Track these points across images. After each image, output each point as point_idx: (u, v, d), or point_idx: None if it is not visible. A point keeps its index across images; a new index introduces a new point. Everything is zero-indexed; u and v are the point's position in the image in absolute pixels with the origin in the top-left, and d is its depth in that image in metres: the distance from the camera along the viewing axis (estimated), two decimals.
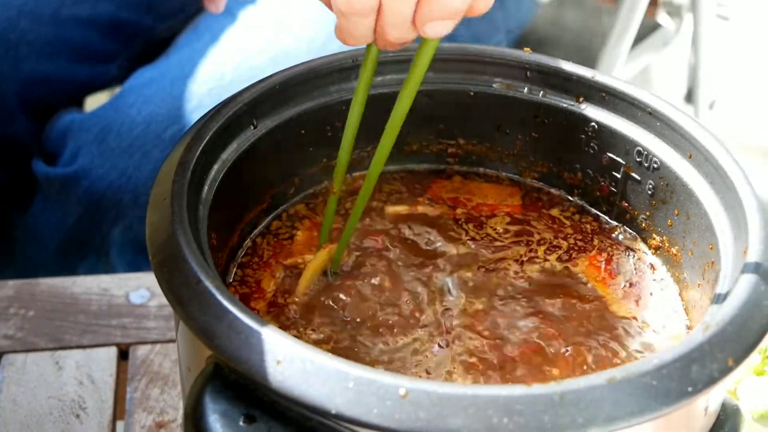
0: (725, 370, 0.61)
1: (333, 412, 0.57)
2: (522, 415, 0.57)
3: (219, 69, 1.27)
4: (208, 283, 0.63)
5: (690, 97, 1.93)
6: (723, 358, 0.61)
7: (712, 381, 0.60)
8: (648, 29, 1.81)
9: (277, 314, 0.78)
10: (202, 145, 0.75)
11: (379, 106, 0.82)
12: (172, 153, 0.75)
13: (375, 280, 0.81)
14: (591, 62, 1.69)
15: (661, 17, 1.86)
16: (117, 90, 1.51)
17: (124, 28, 1.43)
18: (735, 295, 0.65)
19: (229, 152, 0.79)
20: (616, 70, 1.64)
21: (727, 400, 0.72)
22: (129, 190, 1.23)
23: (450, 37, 1.44)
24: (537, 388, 0.58)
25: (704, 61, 1.85)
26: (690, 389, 0.60)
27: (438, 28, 0.67)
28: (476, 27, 1.47)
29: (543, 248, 0.86)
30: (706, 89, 1.89)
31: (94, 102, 1.50)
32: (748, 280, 0.66)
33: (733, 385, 0.97)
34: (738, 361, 0.62)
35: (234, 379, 0.62)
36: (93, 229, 1.26)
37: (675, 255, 0.82)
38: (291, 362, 0.59)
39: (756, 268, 0.67)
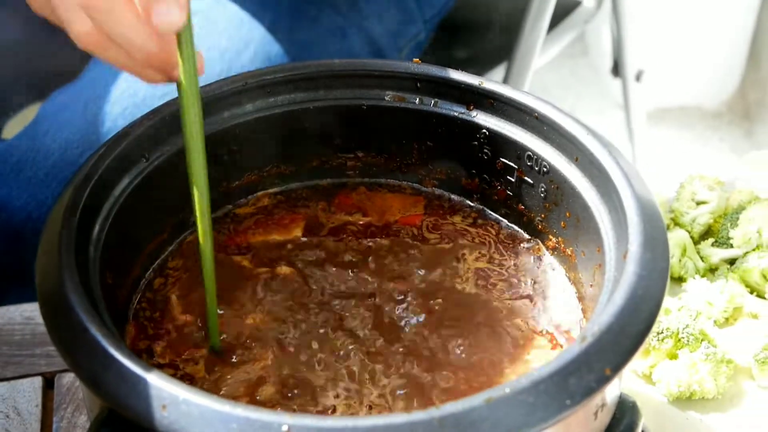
0: (603, 380, 0.63)
1: None
2: None
3: (132, 86, 1.27)
4: (94, 331, 0.64)
5: (616, 69, 1.95)
6: (600, 368, 0.63)
7: (590, 391, 0.62)
8: (569, 7, 1.82)
9: (177, 346, 0.79)
10: (91, 185, 0.75)
11: (271, 126, 0.84)
12: (62, 196, 0.75)
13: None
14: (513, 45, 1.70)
15: None
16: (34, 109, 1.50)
17: (36, 50, 1.42)
18: (613, 302, 0.67)
19: (121, 188, 0.79)
20: (536, 52, 1.64)
21: (624, 397, 0.74)
22: None
23: (364, 32, 1.45)
24: (416, 415, 0.59)
25: (627, 34, 1.86)
26: (568, 402, 0.61)
27: (167, 16, 0.68)
28: (390, 21, 1.47)
29: (447, 253, 0.88)
30: (632, 61, 1.91)
31: (14, 124, 1.50)
32: (626, 285, 0.68)
33: (648, 370, 0.99)
34: (616, 369, 0.64)
35: (127, 423, 0.63)
36: (16, 261, 1.26)
37: (570, 256, 0.84)
38: (176, 406, 0.60)
39: (634, 272, 0.69)
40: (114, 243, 0.77)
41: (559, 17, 1.78)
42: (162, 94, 1.25)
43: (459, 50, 1.69)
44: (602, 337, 0.64)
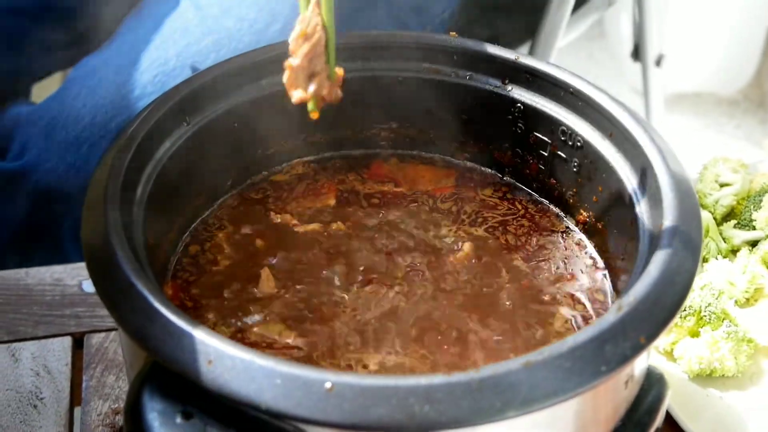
0: (638, 348, 0.64)
1: (263, 407, 0.60)
2: (442, 402, 0.60)
3: (162, 55, 1.28)
4: (140, 287, 0.66)
5: (636, 53, 1.95)
6: (635, 336, 0.64)
7: (624, 359, 0.64)
8: None
9: (215, 305, 0.81)
10: (135, 146, 0.77)
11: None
12: (105, 156, 0.77)
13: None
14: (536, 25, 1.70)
15: None
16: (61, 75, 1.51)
17: (60, 13, 1.43)
18: (648, 273, 0.68)
19: (163, 151, 0.81)
20: (561, 33, 1.65)
21: (651, 369, 0.75)
22: (78, 183, 1.24)
23: (391, 8, 1.45)
24: (456, 376, 0.61)
25: (649, 18, 1.87)
26: (603, 368, 0.63)
27: None
28: None
29: (477, 226, 0.89)
30: (652, 45, 1.91)
31: (42, 89, 1.51)
32: (660, 258, 0.69)
33: (669, 347, 1.00)
34: (650, 338, 0.65)
35: (171, 377, 0.64)
36: (45, 222, 1.28)
37: (601, 230, 0.85)
38: (221, 361, 0.62)
39: (668, 245, 0.70)
40: (155, 204, 0.78)
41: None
42: (191, 63, 1.27)
43: (481, 29, 1.70)
44: (638, 307, 0.66)
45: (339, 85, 0.76)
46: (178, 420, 0.63)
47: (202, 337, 0.63)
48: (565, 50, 1.84)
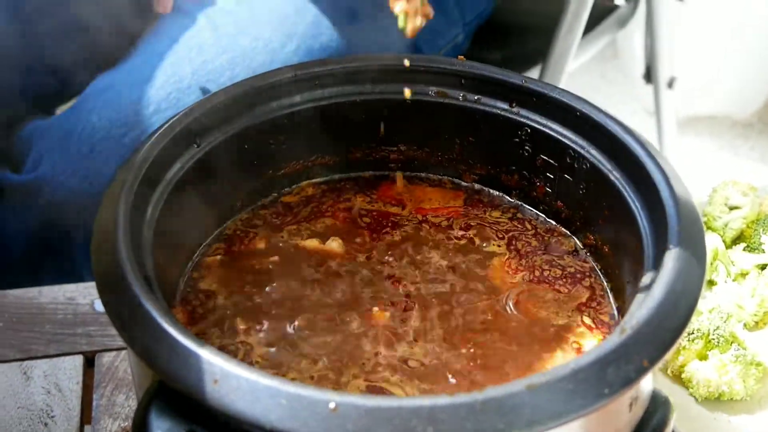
0: (641, 371, 0.65)
1: (268, 427, 0.61)
2: (445, 424, 0.60)
3: (177, 72, 1.29)
4: (149, 307, 0.67)
5: (648, 75, 1.96)
6: (638, 359, 0.65)
7: (627, 382, 0.64)
8: (605, 11, 1.83)
9: (223, 326, 0.81)
10: (146, 168, 0.78)
11: (318, 117, 0.87)
12: (116, 177, 0.78)
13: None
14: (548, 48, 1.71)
15: None
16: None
17: (91, 36, 1.44)
18: (651, 297, 0.69)
19: (173, 172, 0.82)
20: (571, 55, 1.66)
21: (656, 392, 0.75)
22: (91, 196, 1.25)
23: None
24: (459, 397, 0.61)
25: (661, 41, 1.87)
26: (606, 391, 0.63)
27: None
28: (431, 21, 1.49)
29: (484, 247, 0.90)
30: (664, 68, 1.92)
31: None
32: (664, 282, 0.69)
33: (678, 370, 1.00)
34: (653, 361, 0.66)
35: (178, 396, 0.65)
36: (57, 234, 1.29)
37: (607, 253, 0.86)
38: (227, 381, 0.63)
39: (672, 269, 0.70)
40: (165, 225, 0.79)
41: (593, 21, 1.79)
42: (206, 80, 1.28)
43: (494, 52, 1.71)
44: (641, 330, 0.66)
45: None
46: None
47: (208, 357, 0.63)
48: (577, 70, 1.85)
